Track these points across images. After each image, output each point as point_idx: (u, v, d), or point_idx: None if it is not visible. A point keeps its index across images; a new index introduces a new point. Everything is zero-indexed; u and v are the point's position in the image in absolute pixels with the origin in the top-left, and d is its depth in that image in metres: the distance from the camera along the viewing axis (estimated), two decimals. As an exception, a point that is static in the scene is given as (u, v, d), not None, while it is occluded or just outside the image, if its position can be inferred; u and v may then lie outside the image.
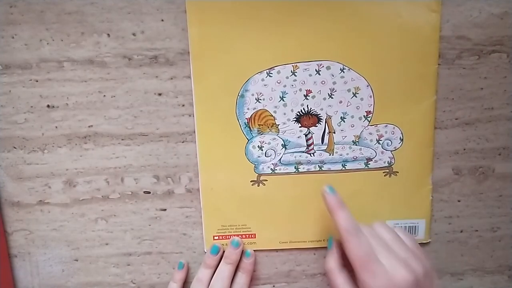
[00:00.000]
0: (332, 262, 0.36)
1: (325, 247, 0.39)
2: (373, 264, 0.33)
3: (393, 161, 0.39)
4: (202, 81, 0.37)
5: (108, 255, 0.41)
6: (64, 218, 0.40)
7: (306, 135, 0.38)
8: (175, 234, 0.40)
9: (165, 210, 0.40)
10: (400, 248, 0.34)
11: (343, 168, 0.39)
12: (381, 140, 0.38)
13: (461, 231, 0.41)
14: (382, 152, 0.39)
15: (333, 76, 0.37)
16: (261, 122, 0.38)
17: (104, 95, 0.38)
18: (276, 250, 0.41)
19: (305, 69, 0.37)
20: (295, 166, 0.39)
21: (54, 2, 0.36)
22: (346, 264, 0.35)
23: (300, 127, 0.38)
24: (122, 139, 0.39)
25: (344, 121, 0.38)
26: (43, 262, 0.41)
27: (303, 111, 0.38)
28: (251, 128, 0.38)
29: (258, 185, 0.39)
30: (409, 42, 0.36)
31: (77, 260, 0.41)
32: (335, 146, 0.38)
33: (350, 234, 0.34)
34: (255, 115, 0.38)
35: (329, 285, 0.37)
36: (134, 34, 0.36)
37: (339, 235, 0.34)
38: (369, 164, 0.39)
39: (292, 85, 0.37)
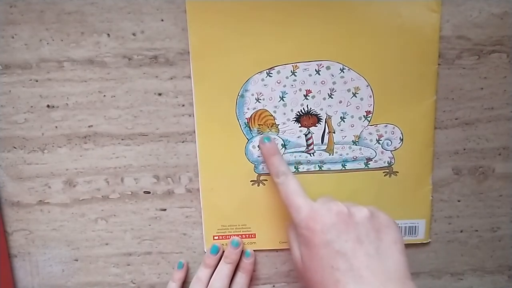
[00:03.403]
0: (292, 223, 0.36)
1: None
2: (299, 198, 0.32)
3: (393, 161, 0.39)
4: (202, 81, 0.37)
5: (108, 255, 0.41)
6: (64, 218, 0.40)
7: (306, 135, 0.38)
8: (175, 234, 0.40)
9: (165, 210, 0.40)
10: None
11: (343, 168, 0.39)
12: (381, 140, 0.38)
13: (461, 231, 0.41)
14: (382, 152, 0.39)
15: (333, 76, 0.37)
16: (261, 122, 0.38)
17: (104, 95, 0.38)
18: (276, 250, 0.41)
19: (305, 69, 0.37)
20: (295, 166, 0.39)
21: (54, 2, 0.36)
22: None
23: (300, 127, 0.38)
24: (122, 139, 0.39)
25: (344, 121, 0.38)
26: (43, 262, 0.41)
27: (303, 111, 0.38)
28: (251, 128, 0.38)
29: (258, 185, 0.39)
30: (409, 42, 0.36)
31: (77, 260, 0.41)
32: (335, 146, 0.38)
33: (277, 177, 0.35)
34: (255, 115, 0.38)
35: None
36: (134, 34, 0.36)
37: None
38: (369, 164, 0.39)
39: (292, 85, 0.37)
